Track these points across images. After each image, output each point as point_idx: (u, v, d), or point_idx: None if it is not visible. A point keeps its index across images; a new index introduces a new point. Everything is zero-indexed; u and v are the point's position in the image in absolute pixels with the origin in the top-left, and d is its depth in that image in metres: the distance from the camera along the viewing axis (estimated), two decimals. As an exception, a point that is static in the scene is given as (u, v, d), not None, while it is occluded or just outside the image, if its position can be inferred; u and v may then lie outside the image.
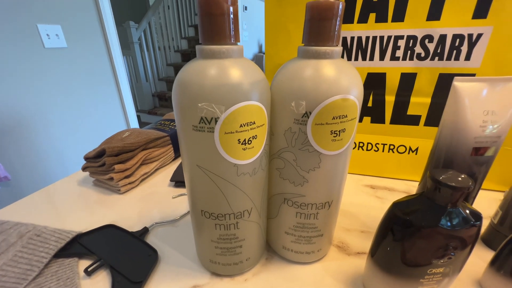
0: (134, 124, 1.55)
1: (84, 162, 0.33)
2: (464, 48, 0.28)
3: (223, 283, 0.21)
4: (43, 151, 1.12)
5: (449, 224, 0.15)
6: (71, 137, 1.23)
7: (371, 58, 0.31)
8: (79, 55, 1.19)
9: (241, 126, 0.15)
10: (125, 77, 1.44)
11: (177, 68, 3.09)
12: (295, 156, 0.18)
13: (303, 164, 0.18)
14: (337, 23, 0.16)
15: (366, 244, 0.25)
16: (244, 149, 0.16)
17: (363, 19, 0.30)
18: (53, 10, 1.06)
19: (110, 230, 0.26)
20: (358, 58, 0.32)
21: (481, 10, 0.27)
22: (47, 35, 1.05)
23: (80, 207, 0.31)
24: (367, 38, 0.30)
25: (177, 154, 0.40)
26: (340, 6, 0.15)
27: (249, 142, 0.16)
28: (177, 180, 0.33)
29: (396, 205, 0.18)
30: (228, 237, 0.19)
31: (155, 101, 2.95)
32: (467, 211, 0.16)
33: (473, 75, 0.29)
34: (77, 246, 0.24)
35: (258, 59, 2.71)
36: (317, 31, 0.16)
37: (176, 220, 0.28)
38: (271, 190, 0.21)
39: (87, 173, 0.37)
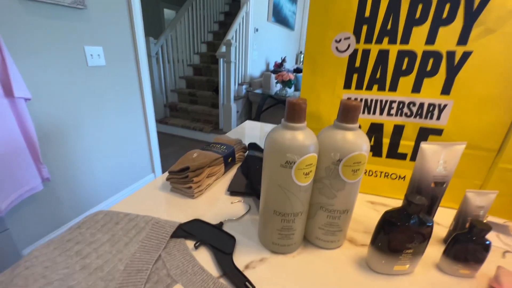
0: (153, 132, 1.68)
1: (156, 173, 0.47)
2: (436, 112, 0.42)
3: (279, 258, 0.34)
4: (76, 155, 1.25)
5: (414, 224, 0.29)
6: (100, 144, 1.36)
7: (374, 113, 0.45)
8: (114, 72, 1.34)
9: (306, 166, 0.29)
10: (149, 90, 1.59)
11: (188, 80, 3.26)
12: (330, 181, 0.32)
13: (334, 186, 0.32)
14: (358, 113, 0.30)
15: (367, 239, 0.38)
16: (305, 177, 0.30)
17: (369, 88, 0.44)
18: (96, 35, 1.22)
19: (197, 222, 0.38)
20: (364, 112, 0.46)
21: (446, 89, 0.41)
22: (91, 55, 1.20)
23: (169, 206, 0.43)
24: (371, 100, 0.45)
25: (226, 169, 0.54)
26: (361, 106, 0.29)
27: (308, 173, 0.30)
28: (233, 190, 0.47)
29: (386, 213, 0.31)
30: (287, 228, 0.32)
31: (166, 111, 3.10)
32: (425, 218, 0.29)
33: (441, 130, 0.43)
34: (181, 231, 0.36)
35: (265, 77, 2.89)
36: (347, 116, 0.30)
37: (239, 217, 0.41)
38: (312, 200, 0.34)
39: (162, 181, 0.50)
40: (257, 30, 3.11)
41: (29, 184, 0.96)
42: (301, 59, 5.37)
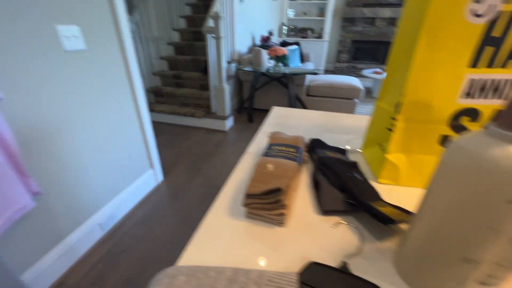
0: (147, 122, 1.50)
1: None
2: None
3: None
4: (65, 159, 1.06)
5: None
6: (91, 142, 1.18)
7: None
8: (96, 56, 1.12)
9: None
10: (137, 74, 1.38)
11: (171, 61, 2.98)
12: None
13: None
14: None
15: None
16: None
17: (504, 65, 0.34)
18: (69, 10, 0.98)
19: (317, 268, 0.28)
20: (494, 98, 0.36)
21: None
22: (66, 36, 0.98)
23: (255, 242, 0.32)
24: (506, 81, 0.35)
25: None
26: None
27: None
28: (329, 209, 0.36)
29: None
30: (483, 282, 0.23)
31: (150, 97, 2.83)
32: None
33: None
34: (303, 286, 0.26)
35: (255, 53, 2.69)
36: None
37: (360, 252, 0.31)
38: None
39: (227, 204, 0.39)
40: (242, 1, 2.82)
41: (18, 203, 0.79)
42: (285, 31, 5.12)
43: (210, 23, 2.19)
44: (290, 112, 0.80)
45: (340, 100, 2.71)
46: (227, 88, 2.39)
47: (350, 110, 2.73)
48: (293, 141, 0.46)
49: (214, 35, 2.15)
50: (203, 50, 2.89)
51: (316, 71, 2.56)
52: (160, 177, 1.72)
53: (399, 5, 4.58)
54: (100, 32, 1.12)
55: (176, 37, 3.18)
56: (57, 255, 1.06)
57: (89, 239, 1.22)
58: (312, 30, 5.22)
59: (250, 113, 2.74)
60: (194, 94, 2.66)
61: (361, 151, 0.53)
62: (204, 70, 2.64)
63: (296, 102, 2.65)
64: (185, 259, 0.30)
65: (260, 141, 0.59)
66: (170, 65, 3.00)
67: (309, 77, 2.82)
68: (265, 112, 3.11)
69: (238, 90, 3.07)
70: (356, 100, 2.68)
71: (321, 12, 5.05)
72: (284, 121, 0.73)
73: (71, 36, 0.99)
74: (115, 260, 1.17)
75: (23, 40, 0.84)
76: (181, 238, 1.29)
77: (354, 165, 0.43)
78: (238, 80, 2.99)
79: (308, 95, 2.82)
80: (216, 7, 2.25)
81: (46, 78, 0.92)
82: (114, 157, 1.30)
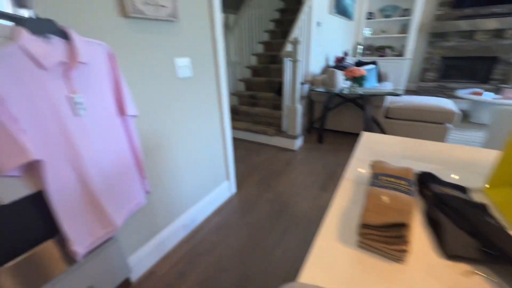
0: (229, 138, 1.65)
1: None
2: None
3: None
4: (166, 166, 1.27)
5: None
6: (185, 153, 1.37)
7: None
8: (198, 81, 1.33)
9: None
10: (226, 96, 1.55)
11: (248, 82, 3.23)
12: None
13: None
14: None
15: None
16: None
17: None
18: (185, 46, 1.21)
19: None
20: None
21: None
22: (180, 66, 1.20)
23: (373, 277, 0.32)
24: None
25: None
26: None
27: None
28: (457, 255, 0.33)
29: None
30: None
31: (227, 114, 3.12)
32: None
33: None
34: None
35: (330, 74, 2.67)
36: None
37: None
38: None
39: (336, 230, 0.40)
40: (319, 24, 2.90)
41: (136, 199, 0.99)
42: (360, 51, 4.93)
43: (289, 47, 2.32)
44: (381, 138, 0.77)
45: (427, 124, 2.40)
46: (299, 109, 2.44)
47: (440, 136, 2.37)
48: (403, 173, 0.44)
49: (291, 59, 2.26)
50: (278, 72, 3.06)
51: (397, 92, 2.35)
52: (233, 189, 1.85)
53: (508, 14, 3.85)
54: (203, 62, 1.33)
55: (254, 60, 3.47)
56: (151, 247, 1.25)
57: (175, 238, 1.39)
58: (391, 48, 4.88)
59: (320, 134, 2.70)
60: (267, 113, 2.80)
61: (484, 191, 0.47)
62: (278, 91, 2.77)
63: (373, 124, 2.47)
64: (303, 278, 0.32)
65: (355, 167, 0.58)
66: (246, 86, 3.27)
67: (389, 98, 2.61)
68: (335, 133, 3.01)
69: (309, 110, 3.09)
70: (448, 125, 2.32)
71: (403, 28, 4.68)
72: (376, 147, 0.71)
73: (183, 66, 1.21)
74: (193, 260, 1.30)
75: (152, 70, 1.07)
76: (252, 251, 1.34)
77: (483, 208, 0.38)
78: (310, 101, 3.01)
79: (387, 117, 2.60)
80: (295, 33, 2.38)
81: (162, 99, 1.15)
82: (200, 167, 1.48)
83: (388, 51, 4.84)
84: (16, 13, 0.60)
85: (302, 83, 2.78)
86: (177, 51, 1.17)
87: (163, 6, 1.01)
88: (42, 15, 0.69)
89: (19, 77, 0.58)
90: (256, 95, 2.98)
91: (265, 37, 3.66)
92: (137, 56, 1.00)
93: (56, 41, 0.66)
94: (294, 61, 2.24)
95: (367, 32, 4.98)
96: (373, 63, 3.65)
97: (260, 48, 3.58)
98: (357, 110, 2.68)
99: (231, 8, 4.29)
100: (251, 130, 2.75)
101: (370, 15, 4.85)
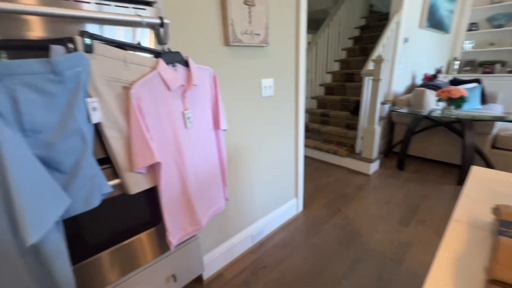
0: (301, 156, 1.66)
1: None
2: None
3: None
4: (243, 177, 1.36)
5: None
6: (260, 167, 1.44)
7: None
8: (279, 100, 1.40)
9: None
10: (302, 114, 1.58)
11: (320, 100, 3.20)
12: None
13: None
14: None
15: None
16: None
17: None
18: (270, 68, 1.30)
19: None
20: None
21: None
22: (265, 87, 1.29)
23: None
24: None
25: None
26: None
27: None
28: None
29: None
30: None
31: (297, 131, 3.15)
32: None
33: None
34: None
35: (417, 94, 2.38)
36: None
37: None
38: None
39: (451, 277, 0.35)
40: (407, 40, 2.66)
41: (218, 204, 1.09)
42: (456, 66, 4.26)
43: (370, 66, 2.20)
44: (498, 175, 0.64)
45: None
46: (378, 130, 2.25)
47: None
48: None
49: (372, 78, 2.14)
50: (355, 91, 2.93)
51: (510, 117, 1.90)
52: (300, 207, 1.83)
53: None
54: (285, 82, 1.41)
55: (328, 78, 3.43)
56: (222, 251, 1.34)
57: (242, 246, 1.46)
58: (502, 63, 4.02)
59: (401, 159, 2.41)
60: (338, 133, 2.69)
61: None
62: (354, 110, 2.64)
63: (475, 155, 2.05)
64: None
65: (467, 207, 0.51)
66: (318, 103, 3.24)
67: (498, 124, 2.14)
68: (420, 160, 2.63)
69: (389, 132, 2.81)
70: None
71: (522, 40, 3.81)
72: (492, 186, 0.59)
73: (268, 86, 1.31)
74: (257, 272, 1.33)
75: (242, 90, 1.20)
76: (317, 275, 1.28)
77: None
78: (390, 122, 2.75)
79: (494, 147, 2.12)
80: (378, 51, 2.25)
81: (246, 116, 1.26)
82: (272, 181, 1.53)
83: (497, 67, 4.00)
84: (158, 49, 0.78)
85: (383, 103, 2.57)
86: (264, 72, 1.27)
87: (257, 34, 1.13)
88: (173, 49, 0.88)
89: (154, 96, 0.75)
90: (329, 114, 2.91)
91: (342, 55, 3.59)
92: (231, 78, 1.13)
93: (180, 68, 0.82)
94: (376, 80, 2.10)
95: (467, 45, 4.26)
96: (476, 81, 3.08)
97: (335, 66, 3.52)
98: (450, 136, 2.29)
99: (312, 28, 4.41)
100: (321, 149, 2.68)
101: (472, 26, 4.16)
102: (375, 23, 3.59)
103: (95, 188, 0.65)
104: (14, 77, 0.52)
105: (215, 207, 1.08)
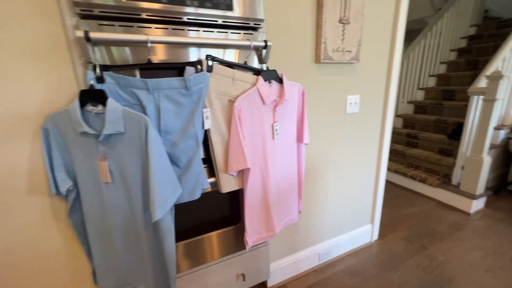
0: (382, 181, 1.52)
1: None
2: None
3: None
4: (317, 192, 1.34)
5: None
6: (335, 185, 1.39)
7: None
8: (363, 118, 1.34)
9: None
10: (389, 136, 1.45)
11: (406, 119, 2.86)
12: None
13: None
14: None
15: None
16: None
17: None
18: (358, 85, 1.26)
19: None
20: None
21: None
22: (350, 103, 1.26)
23: None
24: None
25: None
26: None
27: None
28: None
29: None
30: None
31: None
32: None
33: None
34: None
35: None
36: None
37: None
38: None
39: None
40: (541, 51, 2.11)
41: (292, 215, 1.11)
42: None
43: (482, 83, 1.84)
44: None
45: None
46: (487, 161, 1.84)
47: None
48: None
49: (484, 97, 1.78)
50: (455, 111, 2.50)
51: None
52: (375, 235, 1.66)
53: None
54: (372, 99, 1.34)
55: (419, 95, 3.03)
56: (287, 263, 1.34)
57: (308, 262, 1.42)
58: None
59: (520, 201, 1.89)
60: (429, 158, 2.33)
61: None
62: (453, 133, 2.25)
63: None
64: None
65: None
66: (404, 123, 2.89)
67: None
68: (552, 206, 2.00)
69: (503, 165, 2.26)
70: None
71: None
72: None
73: (353, 102, 1.27)
74: (323, 295, 1.27)
75: (327, 105, 1.20)
76: (393, 319, 1.13)
77: None
78: (505, 152, 2.21)
79: None
80: (495, 65, 1.87)
81: (328, 131, 1.25)
82: (347, 201, 1.45)
83: None
84: (258, 67, 0.88)
85: (497, 128, 2.10)
86: (350, 88, 1.24)
87: (349, 51, 1.13)
88: (270, 67, 0.98)
89: (252, 108, 0.85)
90: (418, 135, 2.56)
91: (441, 69, 3.12)
92: (317, 93, 1.16)
93: (274, 84, 0.90)
94: (490, 100, 1.74)
95: None
96: None
97: (431, 82, 3.08)
98: None
99: (406, 40, 4.04)
100: (405, 174, 2.37)
101: None
102: (491, 32, 2.99)
103: (199, 183, 0.78)
104: (160, 91, 0.68)
105: (288, 218, 1.10)
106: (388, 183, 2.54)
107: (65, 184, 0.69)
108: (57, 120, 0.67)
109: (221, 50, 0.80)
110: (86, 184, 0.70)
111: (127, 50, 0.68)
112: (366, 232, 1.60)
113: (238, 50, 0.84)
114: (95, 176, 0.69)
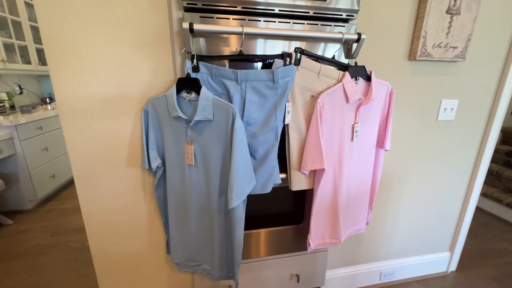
0: (472, 206, 1.27)
1: None
2: None
3: None
4: (388, 205, 1.20)
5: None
6: (413, 200, 1.23)
7: None
8: (459, 128, 1.13)
9: None
10: (489, 155, 1.20)
11: (507, 134, 2.33)
12: None
13: None
14: None
15: None
16: None
17: None
18: (457, 87, 1.06)
19: None
20: None
21: None
22: (445, 109, 1.08)
23: None
24: None
25: None
26: None
27: None
28: None
29: None
30: None
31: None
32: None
33: None
34: None
35: None
36: None
37: None
38: None
39: None
40: None
41: (359, 225, 1.03)
42: None
43: None
44: None
45: None
46: None
47: None
48: None
49: None
50: None
51: None
52: (454, 265, 1.41)
53: None
54: (473, 106, 1.11)
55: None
56: (345, 274, 1.25)
57: (368, 279, 1.30)
58: None
59: None
60: (539, 185, 1.86)
61: None
62: None
63: None
64: None
65: None
66: (504, 137, 2.37)
67: None
68: None
69: None
70: None
71: None
72: None
73: (448, 108, 1.08)
74: (383, 319, 1.15)
75: (415, 109, 1.05)
76: None
77: None
78: None
79: None
80: None
81: (412, 138, 1.10)
82: (422, 220, 1.27)
83: None
84: (345, 63, 0.82)
85: None
86: (447, 92, 1.06)
87: (454, 47, 0.96)
88: (359, 63, 0.90)
89: (334, 106, 0.79)
90: (524, 155, 2.06)
91: None
92: (407, 95, 1.02)
93: (361, 82, 0.82)
94: None
95: None
96: None
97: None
98: None
99: None
100: (499, 200, 1.95)
101: None
102: None
103: (272, 177, 0.77)
104: (247, 82, 0.69)
105: (355, 227, 1.02)
106: (476, 208, 2.13)
107: (155, 161, 0.77)
108: (156, 103, 0.74)
109: (308, 44, 0.77)
110: (173, 164, 0.77)
111: (219, 41, 0.71)
112: (442, 260, 1.37)
113: (324, 44, 0.79)
114: (181, 157, 0.75)
